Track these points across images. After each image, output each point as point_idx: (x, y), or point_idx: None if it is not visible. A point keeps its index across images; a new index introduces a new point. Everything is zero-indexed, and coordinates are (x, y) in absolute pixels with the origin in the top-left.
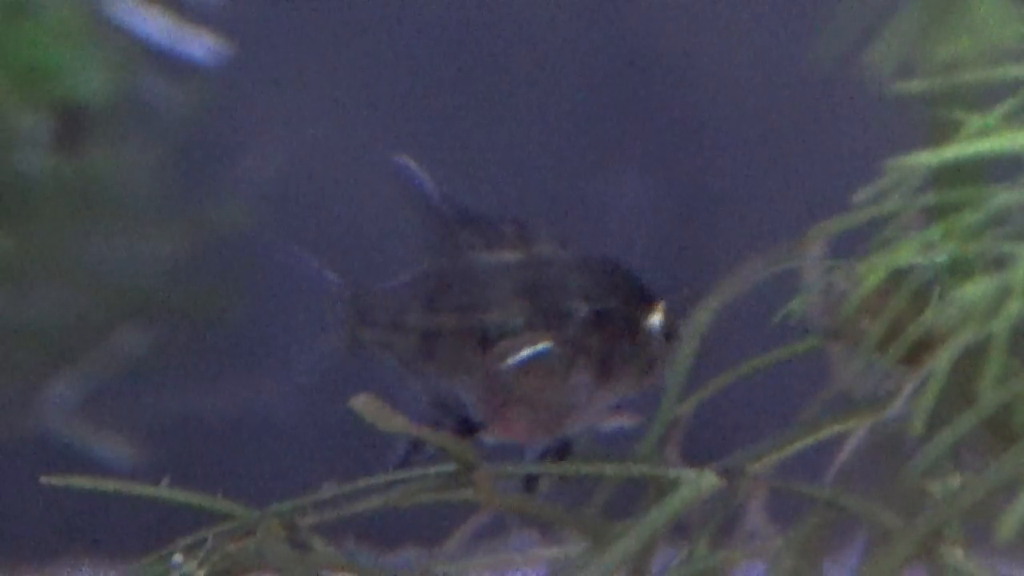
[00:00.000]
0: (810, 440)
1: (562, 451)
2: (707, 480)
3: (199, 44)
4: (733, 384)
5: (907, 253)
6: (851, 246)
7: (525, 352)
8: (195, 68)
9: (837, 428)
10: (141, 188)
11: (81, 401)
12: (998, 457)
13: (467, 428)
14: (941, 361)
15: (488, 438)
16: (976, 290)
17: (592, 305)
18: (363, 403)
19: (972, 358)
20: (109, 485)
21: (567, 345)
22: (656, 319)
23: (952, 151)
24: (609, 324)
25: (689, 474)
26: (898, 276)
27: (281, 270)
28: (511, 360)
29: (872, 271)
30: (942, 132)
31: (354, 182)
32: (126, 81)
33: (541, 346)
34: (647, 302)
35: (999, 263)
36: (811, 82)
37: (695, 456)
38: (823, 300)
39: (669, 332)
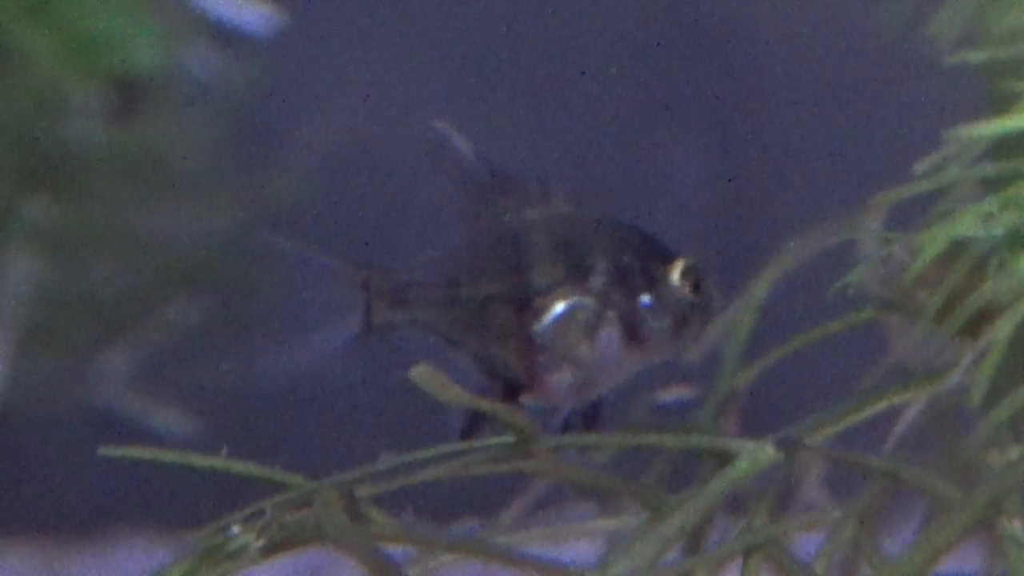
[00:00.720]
0: (868, 412)
1: (593, 412)
2: (766, 452)
3: (253, 14)
4: (791, 356)
5: (966, 224)
6: (910, 217)
7: (555, 312)
8: (249, 39)
9: (895, 400)
10: (194, 160)
11: (136, 373)
12: None
13: (512, 392)
14: (1000, 332)
15: (528, 401)
16: None
17: (611, 260)
18: (422, 374)
19: None
20: (167, 456)
21: (595, 298)
22: (675, 274)
23: (1012, 122)
24: (631, 278)
25: (748, 445)
26: (956, 248)
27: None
28: (546, 319)
29: (931, 243)
30: (1002, 103)
31: (409, 156)
32: (180, 52)
33: (572, 301)
34: (665, 259)
35: None
36: (869, 51)
37: (752, 428)
38: (881, 272)
39: (697, 289)
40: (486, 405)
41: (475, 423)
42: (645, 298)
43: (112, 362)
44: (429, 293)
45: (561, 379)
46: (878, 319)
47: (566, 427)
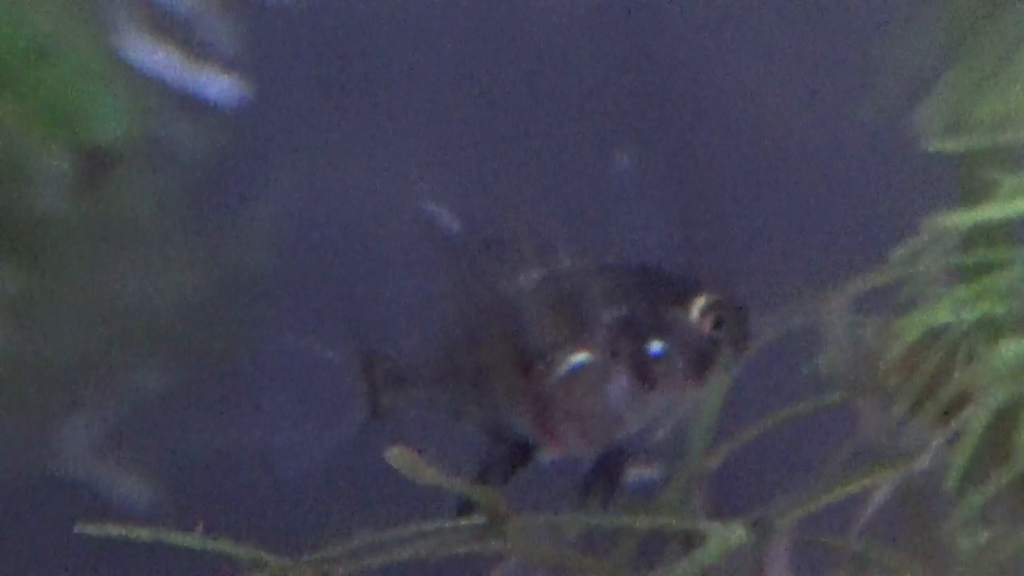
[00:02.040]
0: (838, 494)
1: (616, 459)
2: (735, 534)
3: (216, 85)
4: (759, 436)
5: (943, 311)
6: (872, 300)
7: (562, 368)
8: (213, 108)
9: (865, 482)
10: (162, 226)
11: (99, 440)
12: None
13: (524, 452)
14: (978, 420)
15: (545, 457)
16: (1009, 350)
17: (616, 309)
18: (397, 456)
19: (1004, 414)
20: (141, 533)
21: (601, 353)
22: (694, 313)
23: (985, 211)
24: (639, 325)
25: (718, 527)
26: (928, 334)
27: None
28: (551, 379)
29: (908, 329)
30: (974, 191)
31: (374, 221)
32: (146, 121)
33: (577, 358)
34: (682, 298)
35: None
36: (848, 136)
37: (720, 509)
38: (851, 355)
39: (719, 326)
40: (462, 486)
41: (471, 500)
42: (656, 345)
43: (76, 429)
44: (431, 371)
45: (574, 433)
46: (848, 402)
47: (594, 475)
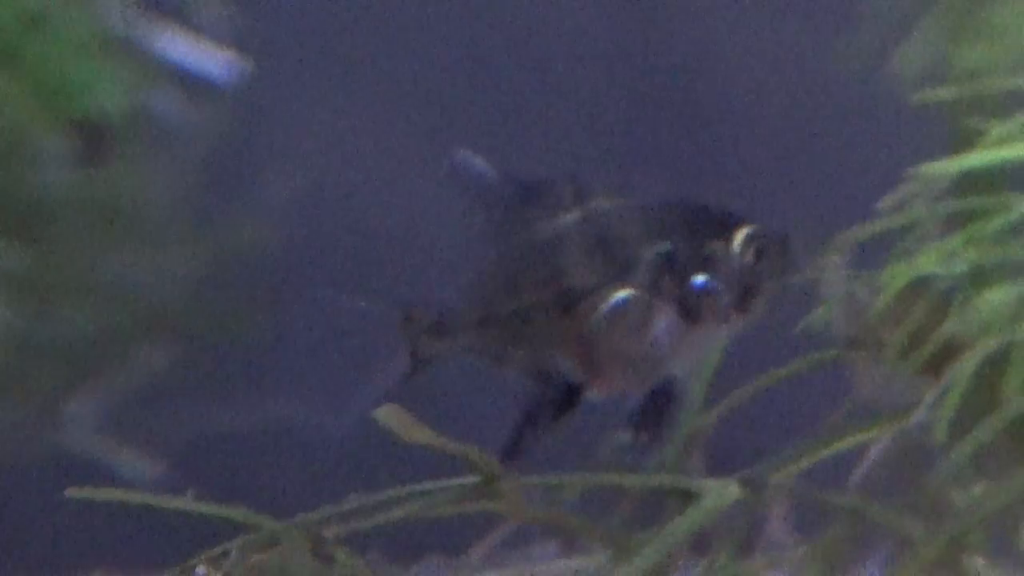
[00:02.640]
0: (832, 450)
1: (665, 395)
2: (730, 491)
3: (216, 62)
4: (756, 395)
5: (928, 262)
6: (874, 254)
7: (605, 306)
8: (213, 86)
9: (860, 438)
10: (162, 205)
11: (103, 419)
12: (1021, 465)
13: (572, 393)
14: (963, 369)
15: (594, 397)
16: (998, 297)
17: (657, 246)
18: (388, 415)
19: (995, 366)
20: (133, 497)
21: (644, 289)
22: (735, 245)
23: (973, 159)
24: (681, 259)
25: (711, 485)
26: (920, 285)
27: (320, 308)
28: (595, 318)
29: (893, 281)
30: (964, 139)
31: (377, 198)
32: (146, 98)
33: (620, 295)
34: (723, 230)
35: (1021, 270)
36: (830, 88)
37: (718, 466)
38: (845, 310)
39: (762, 256)
40: (455, 447)
41: (517, 443)
42: (699, 279)
43: (80, 408)
44: (470, 318)
45: (620, 371)
46: (843, 358)
47: (643, 412)
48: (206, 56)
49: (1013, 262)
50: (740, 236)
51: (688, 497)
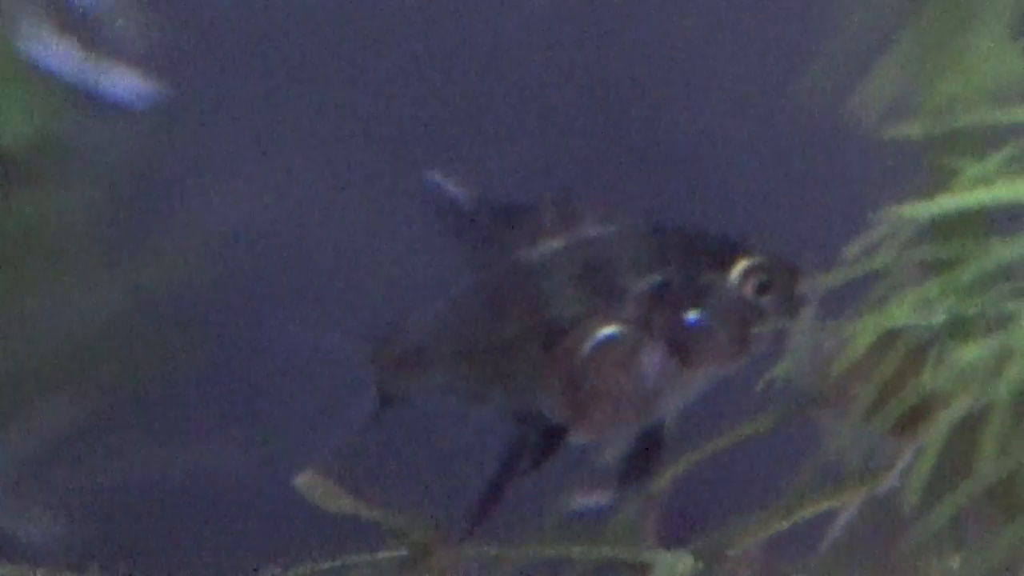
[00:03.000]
0: (798, 516)
1: (654, 441)
2: (684, 563)
3: (133, 84)
4: (716, 453)
5: (901, 312)
6: (841, 304)
7: (590, 342)
8: (125, 110)
9: (828, 502)
10: (74, 236)
11: (8, 474)
12: (1001, 532)
13: (554, 437)
14: (938, 429)
15: (576, 440)
16: (976, 352)
17: (648, 278)
18: (307, 482)
19: (973, 425)
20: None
21: (632, 325)
22: (733, 277)
23: (949, 201)
24: (673, 293)
25: (664, 556)
26: (893, 336)
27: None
28: (579, 355)
29: (863, 331)
30: (938, 179)
31: (311, 226)
32: (55, 124)
33: (606, 331)
34: (721, 261)
35: (1001, 322)
36: (794, 124)
37: (672, 533)
38: (811, 364)
39: (766, 290)
40: (383, 515)
41: (495, 494)
42: (691, 315)
43: None
44: (444, 351)
45: (606, 413)
46: (809, 414)
47: (629, 460)
48: (122, 78)
49: (992, 313)
50: (739, 268)
51: (639, 570)
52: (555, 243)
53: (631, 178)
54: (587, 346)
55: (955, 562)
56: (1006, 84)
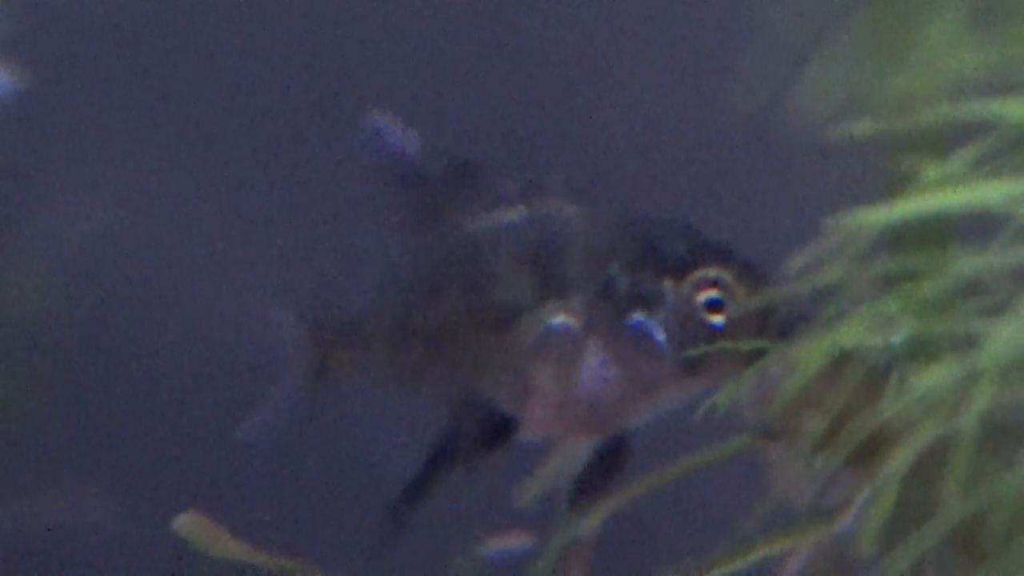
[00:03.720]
0: (743, 562)
1: (616, 452)
2: None
3: None
4: (652, 493)
5: (853, 332)
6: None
7: (536, 331)
8: None
9: (776, 546)
10: None
11: None
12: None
13: (499, 429)
14: (898, 463)
15: (526, 437)
16: (939, 376)
17: (606, 272)
18: (189, 525)
19: (935, 459)
20: None
21: (580, 319)
22: (684, 288)
23: (908, 206)
24: (620, 290)
25: None
26: (846, 360)
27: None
28: (527, 343)
29: (813, 354)
30: (895, 183)
31: (169, 245)
32: None
33: (555, 321)
34: (677, 267)
35: (967, 343)
36: (730, 124)
37: None
38: (755, 391)
39: (718, 310)
40: (267, 560)
41: (422, 485)
42: (637, 315)
43: None
44: (381, 328)
45: (552, 413)
46: (754, 448)
47: (583, 473)
48: None
49: (957, 333)
50: (694, 278)
51: None
52: (514, 214)
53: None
54: (534, 336)
55: None
56: (965, 78)
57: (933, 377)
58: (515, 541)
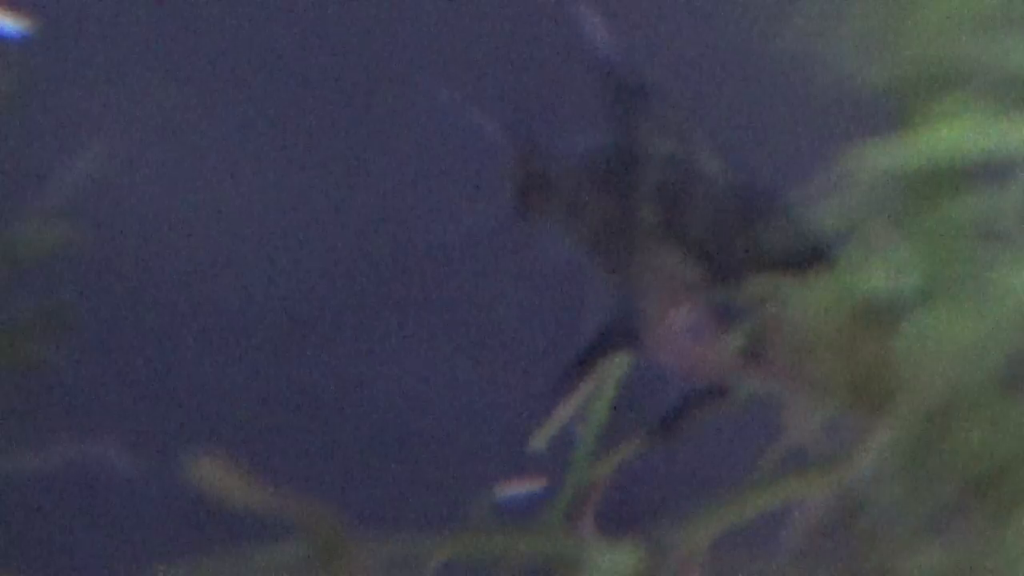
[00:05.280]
0: (755, 508)
1: (714, 398)
2: (624, 558)
3: None
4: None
5: (868, 276)
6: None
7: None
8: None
9: (791, 493)
10: None
11: None
12: (986, 525)
13: (625, 337)
14: (912, 409)
15: (642, 358)
16: (954, 321)
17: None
18: (207, 469)
19: (952, 403)
20: None
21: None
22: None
23: (920, 147)
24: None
25: (602, 551)
26: (858, 303)
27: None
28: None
29: (823, 297)
30: (911, 122)
31: (181, 191)
32: None
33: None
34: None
35: (982, 287)
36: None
37: (615, 527)
38: (769, 335)
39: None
40: (275, 503)
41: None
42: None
43: None
44: (579, 192)
45: (680, 346)
46: (771, 394)
47: (669, 414)
48: None
49: (973, 276)
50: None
51: (575, 566)
52: (669, 147)
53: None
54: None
55: (932, 559)
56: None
57: (947, 321)
58: (529, 485)
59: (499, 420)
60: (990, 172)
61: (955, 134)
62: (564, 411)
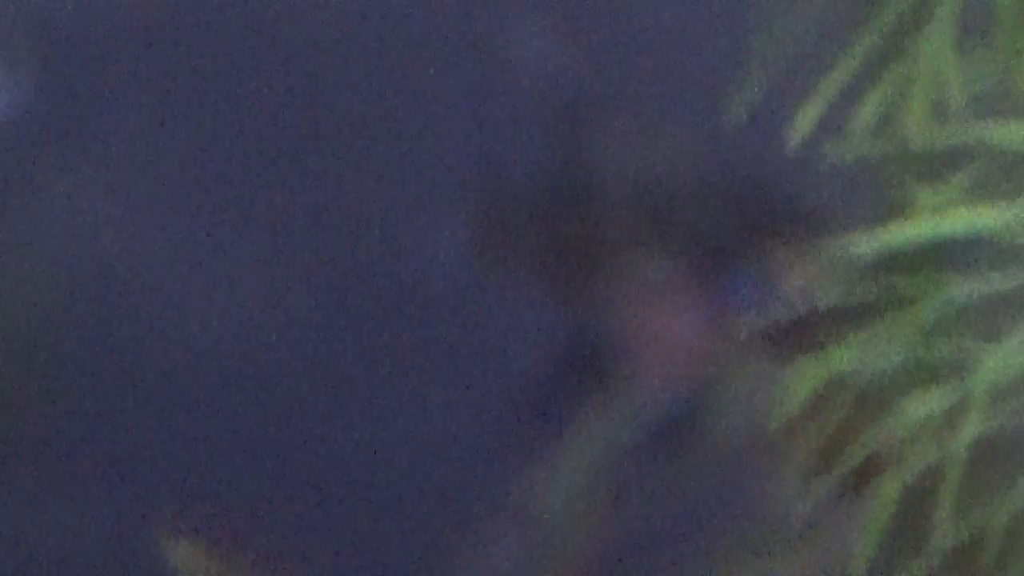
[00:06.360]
0: None
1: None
2: None
3: None
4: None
5: (842, 357)
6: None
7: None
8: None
9: (768, 568)
10: None
11: None
12: None
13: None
14: (891, 487)
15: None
16: (932, 401)
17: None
18: (182, 555)
19: (927, 484)
20: None
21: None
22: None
23: (901, 231)
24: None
25: None
26: (840, 383)
27: None
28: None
29: (806, 377)
30: (892, 208)
31: (159, 259)
32: None
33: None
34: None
35: (959, 368)
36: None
37: None
38: (748, 411)
39: None
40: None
41: None
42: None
43: None
44: (546, 209)
45: (661, 352)
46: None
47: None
48: None
49: (950, 358)
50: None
51: None
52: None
53: None
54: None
55: None
56: (962, 100)
57: (925, 402)
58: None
59: (476, 463)
60: (974, 253)
61: (935, 219)
62: (551, 455)
